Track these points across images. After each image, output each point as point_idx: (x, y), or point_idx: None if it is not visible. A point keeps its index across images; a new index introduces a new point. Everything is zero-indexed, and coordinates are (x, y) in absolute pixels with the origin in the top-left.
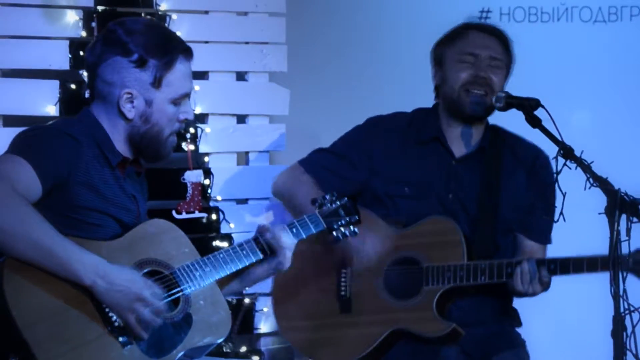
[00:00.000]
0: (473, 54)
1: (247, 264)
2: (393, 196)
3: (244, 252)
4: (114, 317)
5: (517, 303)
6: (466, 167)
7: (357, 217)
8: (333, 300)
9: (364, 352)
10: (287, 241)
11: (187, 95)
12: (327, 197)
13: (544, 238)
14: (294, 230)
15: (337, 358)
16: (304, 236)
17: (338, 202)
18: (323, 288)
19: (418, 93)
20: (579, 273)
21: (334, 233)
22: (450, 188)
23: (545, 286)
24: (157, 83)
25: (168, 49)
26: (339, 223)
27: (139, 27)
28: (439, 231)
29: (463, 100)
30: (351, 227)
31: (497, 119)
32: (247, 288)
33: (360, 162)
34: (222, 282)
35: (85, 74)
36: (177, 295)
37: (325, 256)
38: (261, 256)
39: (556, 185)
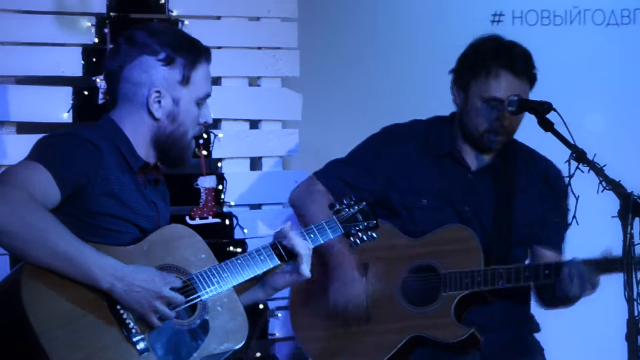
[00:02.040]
0: (500, 100)
1: (265, 269)
2: (410, 207)
3: (262, 258)
4: (131, 324)
5: (533, 309)
6: (481, 179)
7: (374, 221)
8: None
9: None
10: (304, 246)
11: (207, 97)
12: (345, 201)
13: (559, 246)
14: (312, 235)
15: None
16: (322, 241)
17: (356, 207)
18: None
19: (432, 98)
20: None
21: (352, 238)
22: (466, 200)
23: (594, 287)
24: (185, 81)
25: (192, 48)
26: (357, 228)
27: (160, 28)
28: (455, 239)
29: (484, 140)
30: (369, 232)
31: None
32: (269, 296)
33: (376, 172)
34: (241, 289)
35: (98, 80)
36: (194, 301)
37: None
38: (278, 262)
39: (569, 188)
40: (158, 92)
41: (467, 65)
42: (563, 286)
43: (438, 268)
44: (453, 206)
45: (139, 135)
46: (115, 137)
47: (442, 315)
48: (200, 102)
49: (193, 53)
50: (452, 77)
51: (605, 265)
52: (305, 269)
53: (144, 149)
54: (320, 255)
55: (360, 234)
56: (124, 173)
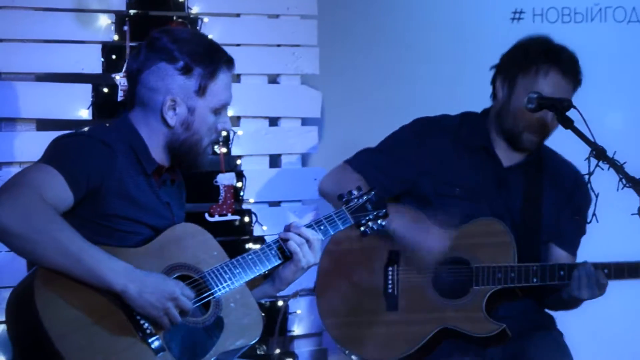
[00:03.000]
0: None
1: (276, 264)
2: (443, 195)
3: (272, 252)
4: (146, 325)
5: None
6: (513, 176)
7: (384, 210)
8: (379, 297)
9: (412, 350)
10: (313, 235)
11: (226, 106)
12: (354, 192)
13: (574, 248)
14: (322, 227)
15: (383, 355)
16: (332, 233)
17: (365, 197)
18: (369, 285)
19: (453, 95)
20: (635, 278)
21: (362, 228)
22: (500, 194)
23: (603, 290)
24: (201, 91)
25: (213, 59)
26: (367, 217)
27: (184, 35)
28: (488, 232)
29: (521, 138)
30: (379, 221)
31: None
32: (281, 290)
33: (409, 161)
34: (252, 284)
35: (117, 77)
36: (208, 299)
37: (370, 253)
38: (289, 255)
39: (589, 186)
40: (173, 100)
41: (517, 61)
42: (572, 288)
43: (470, 261)
44: (486, 198)
45: (153, 139)
46: (131, 139)
47: (474, 309)
48: (218, 111)
49: (213, 64)
50: (495, 72)
51: (625, 271)
52: (301, 259)
53: (158, 153)
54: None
55: (370, 223)
56: (138, 175)
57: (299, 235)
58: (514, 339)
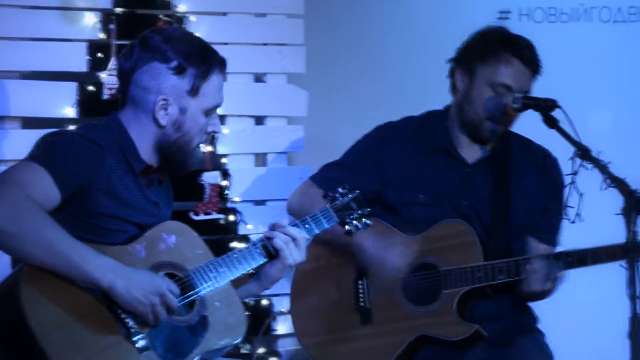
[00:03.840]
0: (507, 87)
1: (261, 263)
2: (407, 204)
3: (258, 251)
4: (130, 323)
5: (536, 305)
6: (479, 172)
7: (369, 209)
8: (353, 311)
9: None
10: (298, 233)
11: (217, 107)
12: (340, 190)
13: (554, 240)
14: (307, 226)
15: None
16: (317, 231)
17: (350, 195)
18: (340, 301)
19: (437, 93)
20: (596, 264)
21: (347, 227)
22: (464, 194)
23: (555, 283)
24: (194, 91)
25: (207, 59)
26: (352, 216)
27: (177, 35)
28: (453, 234)
29: (483, 128)
30: (364, 220)
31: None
32: (266, 289)
33: (371, 171)
34: (237, 283)
35: (103, 75)
36: (192, 297)
37: (338, 269)
38: (274, 254)
39: (573, 186)
40: (165, 100)
41: (476, 51)
42: (527, 280)
43: (438, 265)
44: (450, 201)
45: (143, 139)
46: (120, 138)
47: (445, 313)
48: (209, 112)
49: (206, 64)
50: (453, 64)
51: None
52: (287, 257)
53: (147, 153)
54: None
55: (355, 222)
56: (126, 174)
57: (285, 233)
58: (496, 344)
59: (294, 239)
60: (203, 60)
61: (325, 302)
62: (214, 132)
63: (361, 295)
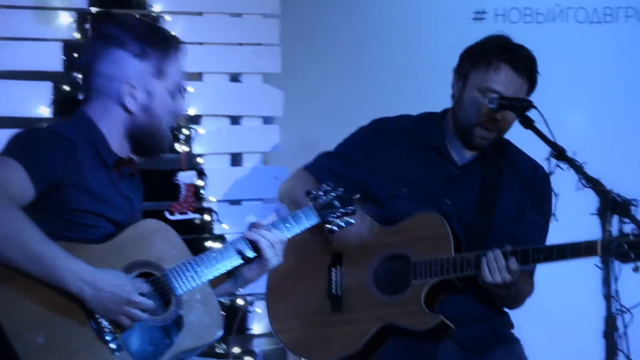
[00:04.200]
0: (497, 92)
1: (239, 263)
2: (391, 196)
3: (236, 251)
4: (104, 324)
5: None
6: (467, 174)
7: (352, 207)
8: (324, 299)
9: (355, 349)
10: (274, 237)
11: (181, 88)
12: (323, 188)
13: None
14: (288, 225)
15: (329, 356)
16: (299, 230)
17: (333, 194)
18: (314, 287)
19: (414, 94)
20: (562, 260)
21: (329, 225)
22: (448, 193)
23: (514, 275)
24: (158, 73)
25: (164, 41)
26: (334, 215)
27: (132, 21)
28: (425, 226)
29: (473, 134)
30: (346, 218)
31: None
32: (241, 288)
33: (361, 163)
34: (214, 283)
35: (77, 75)
36: (169, 297)
37: (314, 255)
38: (254, 254)
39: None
40: (131, 85)
41: (470, 56)
42: (481, 274)
43: (409, 256)
44: (434, 198)
45: (113, 129)
46: (90, 132)
47: (412, 303)
48: (174, 93)
49: (165, 45)
50: (457, 65)
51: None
52: (274, 260)
53: (118, 143)
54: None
55: (337, 220)
56: (99, 168)
57: (265, 237)
58: (471, 350)
59: (273, 242)
60: (162, 42)
61: (299, 289)
62: (181, 114)
63: (333, 282)
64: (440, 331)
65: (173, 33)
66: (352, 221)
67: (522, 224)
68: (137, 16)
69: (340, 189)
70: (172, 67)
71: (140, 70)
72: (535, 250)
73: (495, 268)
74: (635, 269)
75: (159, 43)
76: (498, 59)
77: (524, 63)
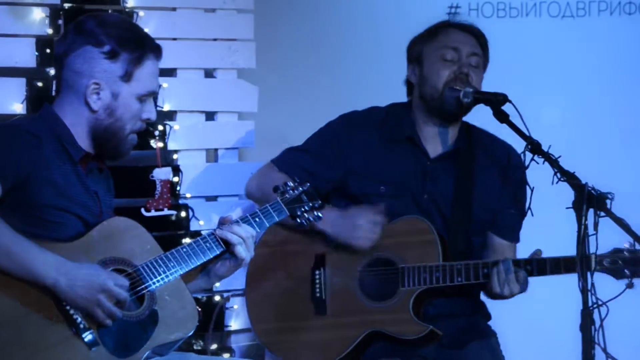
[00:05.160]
0: (455, 49)
1: (211, 256)
2: (369, 194)
3: (207, 245)
4: (79, 319)
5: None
6: (441, 167)
7: (319, 201)
8: (307, 301)
9: (341, 355)
10: (245, 232)
11: (152, 94)
12: (290, 183)
13: (513, 236)
14: (257, 219)
15: None
16: (268, 225)
17: (300, 188)
18: (297, 289)
19: (387, 89)
20: (556, 274)
21: (298, 220)
22: (425, 188)
23: (523, 286)
24: (127, 77)
25: (140, 44)
26: (302, 209)
27: (111, 20)
28: (413, 231)
29: (445, 98)
30: (314, 212)
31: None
32: (215, 284)
33: (334, 160)
34: (187, 278)
35: (52, 71)
36: (142, 292)
37: (297, 256)
38: (224, 248)
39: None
40: (97, 84)
41: (416, 40)
42: (493, 284)
43: (396, 261)
44: (411, 194)
45: (78, 125)
46: (56, 127)
47: (401, 311)
48: (143, 98)
49: (140, 49)
50: (407, 56)
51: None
52: (240, 253)
53: (83, 140)
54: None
55: (306, 214)
56: (65, 163)
57: (235, 232)
58: (449, 346)
59: (245, 238)
60: (136, 46)
61: (281, 290)
62: (149, 119)
63: (317, 285)
64: (428, 338)
65: (152, 38)
66: (321, 215)
67: (500, 215)
68: (118, 15)
69: (307, 183)
70: (144, 73)
71: (109, 71)
72: (527, 262)
73: (504, 280)
74: (630, 286)
75: (133, 47)
76: (444, 26)
77: (470, 25)
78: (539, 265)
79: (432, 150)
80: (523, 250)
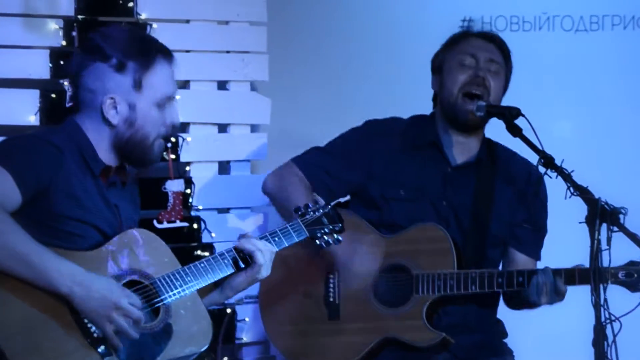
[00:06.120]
0: (472, 55)
1: (228, 273)
2: (388, 199)
3: (225, 262)
4: (93, 328)
5: (501, 312)
6: (462, 176)
7: (340, 225)
8: (321, 306)
9: None
10: (264, 246)
11: (170, 98)
12: (311, 205)
13: (534, 252)
14: (276, 239)
15: None
16: (287, 244)
17: (321, 210)
18: (310, 293)
19: (400, 101)
20: (585, 284)
21: (317, 241)
22: (445, 195)
23: (562, 297)
24: (137, 86)
25: (145, 50)
26: (322, 231)
27: (115, 32)
28: (428, 238)
29: (460, 104)
30: (334, 235)
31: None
32: (228, 298)
33: (358, 163)
34: (202, 292)
35: (66, 83)
36: (157, 305)
37: (312, 261)
38: (242, 265)
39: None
40: (112, 99)
41: (439, 51)
42: (530, 294)
43: (409, 267)
44: (430, 200)
45: (99, 140)
46: (78, 140)
47: (414, 318)
48: (161, 104)
49: (145, 56)
50: (431, 67)
51: (576, 277)
52: (264, 272)
53: (105, 153)
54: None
55: (326, 237)
56: (86, 176)
57: (257, 247)
58: (467, 353)
59: (264, 252)
60: (142, 53)
61: (295, 294)
62: (173, 123)
63: (331, 290)
64: (440, 346)
65: (160, 42)
66: (340, 239)
67: (522, 231)
68: (124, 26)
69: (328, 206)
70: (156, 78)
71: (121, 84)
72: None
73: (544, 291)
74: None
75: (138, 55)
76: (464, 34)
77: (490, 33)
78: (568, 275)
79: (454, 159)
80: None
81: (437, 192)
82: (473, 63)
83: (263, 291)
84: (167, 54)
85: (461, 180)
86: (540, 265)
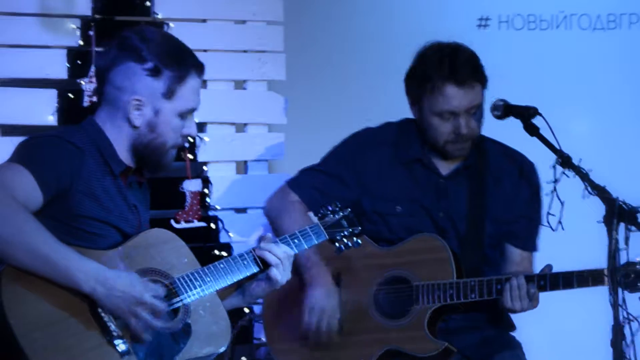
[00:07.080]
0: (452, 112)
1: (248, 274)
2: (384, 214)
3: (245, 263)
4: (112, 327)
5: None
6: (454, 183)
7: (360, 228)
8: None
9: None
10: (283, 253)
11: (192, 111)
12: (330, 207)
13: (529, 245)
14: (296, 241)
15: None
16: (306, 247)
17: (341, 213)
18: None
19: None
20: (569, 288)
21: (337, 244)
22: (440, 206)
23: (535, 302)
24: (169, 94)
25: (183, 62)
26: (342, 234)
27: (155, 36)
28: (426, 249)
29: (447, 150)
30: (354, 239)
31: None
32: (249, 303)
33: (351, 180)
34: (223, 295)
35: (83, 82)
36: (176, 305)
37: None
38: (261, 267)
39: (554, 194)
40: (139, 100)
41: (415, 79)
42: (504, 299)
43: (410, 279)
44: (428, 212)
45: (119, 140)
46: (98, 140)
47: (416, 329)
48: (184, 115)
49: (183, 68)
50: (406, 91)
51: (582, 280)
52: (276, 276)
53: (124, 154)
54: (295, 267)
55: (345, 240)
56: (106, 176)
57: (274, 253)
58: (473, 358)
59: (282, 259)
60: (180, 64)
61: (296, 308)
62: (189, 135)
63: None
64: (443, 356)
65: (195, 55)
66: (360, 242)
67: (516, 225)
68: (163, 31)
69: (348, 209)
70: (186, 90)
71: (151, 88)
72: (541, 277)
73: (517, 296)
74: None
75: (177, 65)
76: (441, 80)
77: (464, 73)
78: (552, 280)
79: (444, 168)
80: (554, 265)
81: (432, 205)
82: (452, 117)
83: (266, 309)
84: (200, 69)
85: (454, 188)
86: (539, 257)
